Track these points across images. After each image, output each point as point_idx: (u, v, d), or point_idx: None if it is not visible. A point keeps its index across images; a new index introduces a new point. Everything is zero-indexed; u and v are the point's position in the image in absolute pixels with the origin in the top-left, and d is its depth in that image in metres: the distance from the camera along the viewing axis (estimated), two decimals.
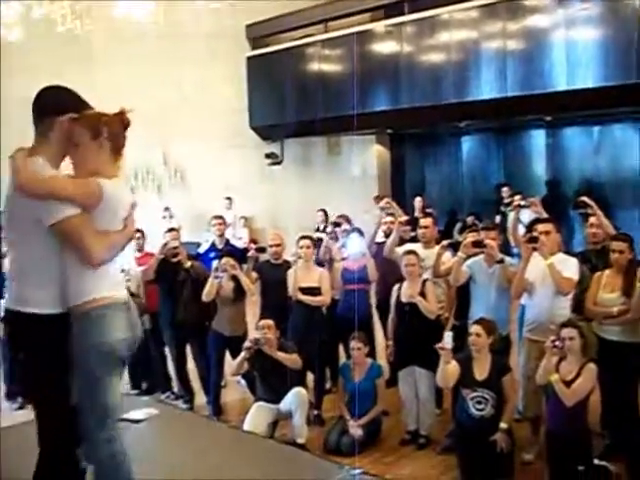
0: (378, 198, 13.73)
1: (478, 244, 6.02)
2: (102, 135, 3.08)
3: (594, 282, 5.71)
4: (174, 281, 7.18)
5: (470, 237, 6.31)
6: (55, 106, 3.13)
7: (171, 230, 7.63)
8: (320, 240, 7.35)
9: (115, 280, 3.23)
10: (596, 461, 5.10)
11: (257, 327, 6.42)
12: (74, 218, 2.99)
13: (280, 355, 6.13)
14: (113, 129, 3.12)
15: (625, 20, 9.98)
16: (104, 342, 3.04)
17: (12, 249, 3.20)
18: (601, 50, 10.28)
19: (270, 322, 6.27)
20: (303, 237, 7.07)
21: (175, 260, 7.16)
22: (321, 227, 10.61)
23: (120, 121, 3.15)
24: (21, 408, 7.36)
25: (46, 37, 13.97)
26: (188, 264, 7.20)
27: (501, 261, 5.96)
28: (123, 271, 4.37)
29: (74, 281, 3.06)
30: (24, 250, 3.09)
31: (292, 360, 6.19)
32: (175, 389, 7.65)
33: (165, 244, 7.19)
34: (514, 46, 11.33)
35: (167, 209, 14.84)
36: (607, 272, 5.69)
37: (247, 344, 6.23)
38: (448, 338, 5.46)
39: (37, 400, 3.22)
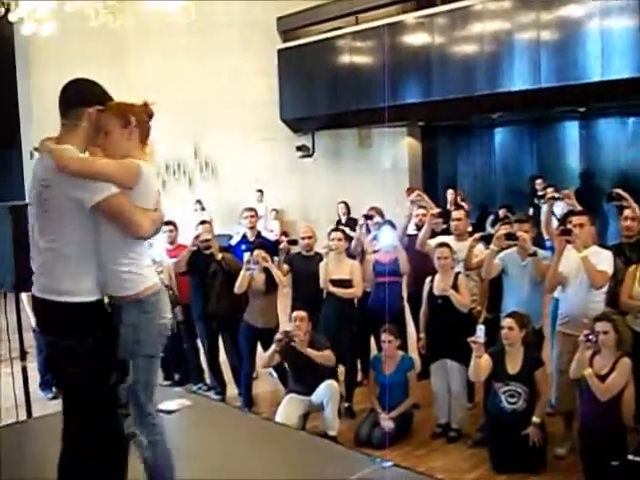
0: (410, 191, 13.69)
1: (510, 237, 5.98)
2: (131, 123, 3.23)
3: (629, 275, 5.65)
4: (206, 273, 7.21)
5: (502, 230, 6.26)
6: (83, 98, 3.26)
7: (204, 222, 7.66)
8: (344, 232, 7.32)
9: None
10: (630, 457, 5.04)
11: (290, 319, 6.44)
12: (118, 195, 3.12)
13: (311, 352, 6.13)
14: (140, 117, 3.27)
15: None
16: (163, 323, 3.33)
17: (44, 237, 3.20)
18: (636, 40, 10.11)
19: (303, 314, 6.28)
20: (334, 229, 7.08)
21: (207, 252, 7.20)
22: (343, 220, 10.59)
23: (145, 111, 3.30)
24: (55, 398, 7.47)
25: (79, 32, 14.09)
26: (220, 256, 7.22)
27: (534, 254, 5.91)
28: (155, 262, 4.42)
29: (132, 270, 3.23)
30: (62, 237, 3.16)
31: (324, 357, 6.19)
32: (207, 380, 7.69)
33: (197, 236, 7.22)
34: (548, 36, 11.20)
35: (198, 202, 14.94)
36: None
37: (278, 336, 6.25)
38: (480, 332, 5.44)
39: (74, 391, 3.28)
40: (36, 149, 3.23)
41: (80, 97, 3.26)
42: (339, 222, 10.46)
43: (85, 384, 3.21)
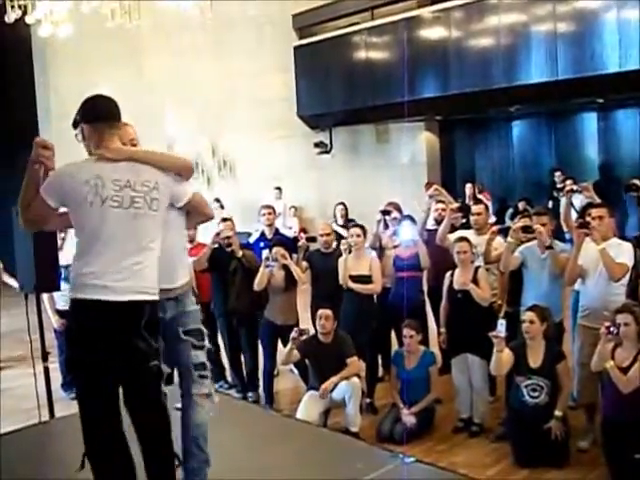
0: (428, 185, 13.65)
1: (527, 229, 5.96)
2: None
3: None
4: (227, 270, 7.23)
5: (520, 222, 6.25)
6: (119, 112, 3.52)
7: (225, 220, 7.69)
8: (340, 235, 7.34)
9: None
10: None
11: (314, 317, 6.46)
12: (196, 194, 3.70)
13: (341, 375, 6.15)
14: None
15: None
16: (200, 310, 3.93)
17: (144, 238, 3.34)
18: None
19: (328, 312, 6.28)
20: (353, 225, 7.07)
21: (228, 249, 7.22)
22: (340, 222, 10.54)
23: None
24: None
25: (95, 33, 14.18)
26: (240, 253, 7.24)
27: (551, 247, 5.88)
28: None
29: (184, 263, 3.87)
30: (158, 237, 3.40)
31: (353, 370, 6.24)
32: (229, 379, 7.71)
33: (218, 233, 7.25)
34: (564, 28, 11.12)
35: (217, 200, 14.97)
36: None
37: (293, 335, 6.26)
38: (501, 326, 5.43)
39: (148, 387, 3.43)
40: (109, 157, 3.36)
41: (119, 112, 3.51)
42: (335, 224, 10.31)
43: (159, 377, 3.43)
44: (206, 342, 3.86)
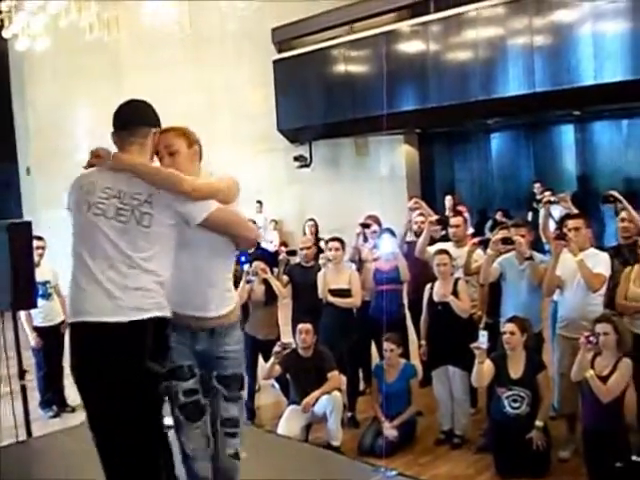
0: (411, 198, 13.69)
1: (507, 241, 5.99)
2: (195, 144, 3.37)
3: (624, 277, 5.66)
4: None
5: (499, 234, 6.28)
6: (150, 118, 3.32)
7: None
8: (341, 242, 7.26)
9: None
10: (634, 457, 5.05)
11: (294, 331, 6.44)
12: (218, 211, 3.22)
13: (322, 390, 6.12)
14: (198, 139, 3.42)
15: None
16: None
17: (135, 253, 3.09)
18: (629, 43, 10.15)
19: (308, 326, 6.27)
20: (332, 239, 7.07)
21: None
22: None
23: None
24: (56, 416, 7.46)
25: (74, 47, 14.15)
26: None
27: (530, 258, 5.91)
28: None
29: (222, 291, 3.45)
30: (156, 255, 3.12)
31: (334, 385, 6.21)
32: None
33: None
34: (541, 42, 11.23)
35: None
36: (637, 267, 5.64)
37: (276, 349, 6.25)
38: (483, 338, 5.45)
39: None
40: (96, 156, 3.23)
41: (146, 117, 3.31)
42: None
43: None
44: (243, 393, 3.46)
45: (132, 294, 3.04)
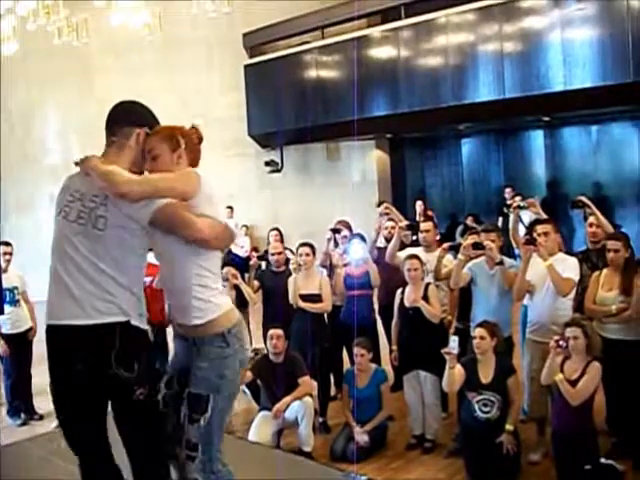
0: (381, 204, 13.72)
1: (477, 246, 6.02)
2: (181, 147, 3.19)
3: (593, 281, 5.71)
4: None
5: (470, 239, 6.30)
6: (134, 118, 3.24)
7: None
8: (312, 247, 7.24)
9: None
10: (603, 460, 5.10)
11: (265, 336, 6.41)
12: (167, 205, 3.03)
13: (294, 395, 6.11)
14: (190, 141, 3.26)
15: (620, 19, 9.98)
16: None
17: (96, 258, 3.01)
18: (597, 50, 10.27)
19: (279, 332, 6.25)
20: (302, 244, 7.06)
21: None
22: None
23: (195, 134, 3.31)
24: (24, 424, 7.37)
25: (43, 51, 14.02)
26: None
27: (500, 263, 5.95)
28: None
29: (200, 299, 3.17)
30: (117, 260, 3.02)
31: (305, 390, 6.20)
32: None
33: None
34: (511, 48, 11.33)
35: None
36: (605, 271, 5.69)
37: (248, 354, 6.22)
38: (454, 343, 5.45)
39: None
40: (78, 163, 3.14)
41: (130, 117, 3.23)
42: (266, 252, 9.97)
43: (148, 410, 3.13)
44: (205, 416, 3.10)
45: (92, 297, 2.99)
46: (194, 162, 3.29)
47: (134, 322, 3.04)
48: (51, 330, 3.06)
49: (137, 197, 2.95)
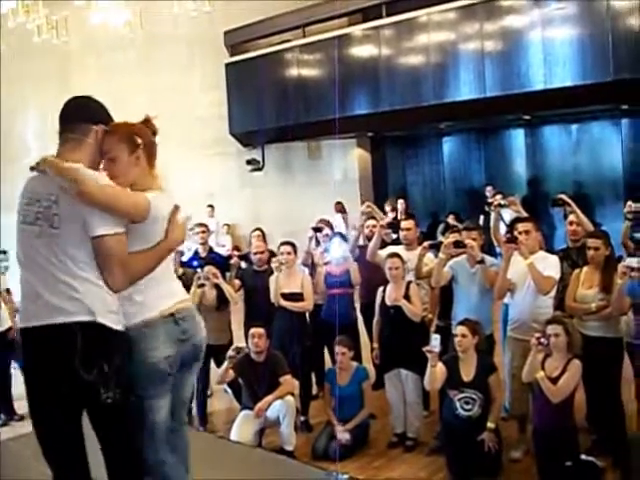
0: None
1: (459, 244, 6.03)
2: (139, 148, 3.10)
3: (573, 279, 5.73)
4: None
5: (451, 238, 6.31)
6: (91, 114, 3.13)
7: None
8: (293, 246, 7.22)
9: None
10: (583, 457, 5.13)
11: (247, 335, 6.40)
12: (111, 238, 2.93)
13: (276, 394, 6.10)
14: (146, 138, 3.16)
15: (600, 19, 10.04)
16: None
17: (54, 257, 2.93)
18: (577, 49, 10.33)
19: (261, 330, 6.24)
20: (284, 243, 7.05)
21: None
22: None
23: (149, 128, 3.21)
24: (4, 425, 7.32)
25: (22, 49, 13.91)
26: (180, 271, 7.17)
27: (481, 261, 5.96)
28: None
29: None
30: (74, 256, 2.93)
31: (287, 389, 6.19)
32: None
33: None
34: (492, 47, 11.37)
35: None
36: (585, 269, 5.72)
37: (230, 353, 6.21)
38: (435, 341, 5.47)
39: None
40: (34, 167, 3.01)
41: (88, 113, 3.13)
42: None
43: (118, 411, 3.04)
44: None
45: (57, 296, 2.91)
46: (151, 160, 3.21)
47: (102, 320, 2.91)
48: (22, 333, 3.01)
49: (93, 201, 2.88)
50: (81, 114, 3.12)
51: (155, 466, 3.17)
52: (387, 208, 12.73)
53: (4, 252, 7.55)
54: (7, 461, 3.31)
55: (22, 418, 7.34)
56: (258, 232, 8.67)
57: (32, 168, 3.04)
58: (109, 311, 2.96)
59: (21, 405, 7.33)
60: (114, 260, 2.94)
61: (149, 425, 3.12)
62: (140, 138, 3.12)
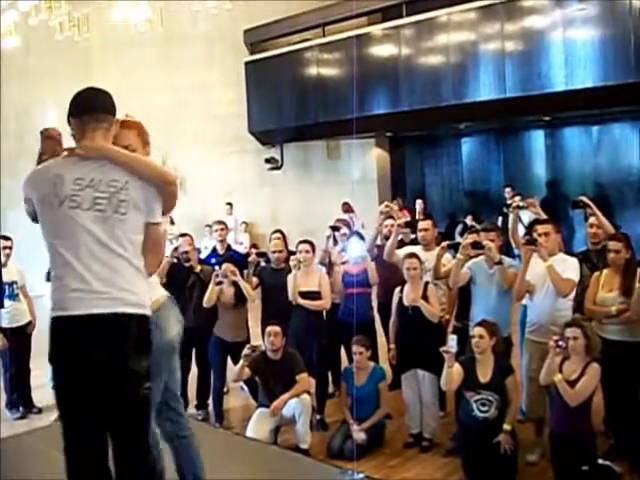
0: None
1: (477, 245, 6.01)
2: (149, 143, 3.31)
3: (593, 282, 5.70)
4: (184, 285, 7.16)
5: (469, 238, 6.29)
6: (113, 107, 3.20)
7: (184, 235, 7.63)
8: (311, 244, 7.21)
9: None
10: (600, 461, 5.11)
11: (263, 333, 6.40)
12: (162, 226, 3.18)
13: (291, 393, 6.09)
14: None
15: (622, 19, 9.98)
16: None
17: (115, 243, 2.99)
18: (599, 50, 10.28)
19: (277, 329, 6.24)
20: (302, 241, 7.06)
21: (187, 264, 7.16)
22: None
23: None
24: (22, 418, 7.37)
25: (44, 45, 14.01)
26: (198, 268, 7.19)
27: (499, 262, 5.93)
28: None
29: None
30: (133, 244, 3.03)
31: (303, 387, 6.18)
32: None
33: (175, 248, 7.18)
34: (512, 47, 11.33)
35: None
36: (605, 272, 5.68)
37: (246, 351, 6.21)
38: (452, 342, 5.45)
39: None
40: (77, 153, 3.05)
41: (111, 105, 3.19)
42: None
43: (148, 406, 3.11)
44: None
45: (110, 285, 2.94)
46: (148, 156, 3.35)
47: (147, 312, 3.03)
48: (62, 321, 2.96)
49: (173, 192, 3.14)
50: (106, 105, 3.16)
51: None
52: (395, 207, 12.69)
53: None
54: (21, 456, 3.32)
55: (40, 411, 7.40)
56: (278, 234, 8.60)
57: (71, 153, 3.07)
58: (148, 301, 3.07)
59: (41, 398, 7.40)
60: (161, 246, 3.21)
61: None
62: (147, 136, 3.32)
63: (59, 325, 2.98)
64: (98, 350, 2.90)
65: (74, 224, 2.96)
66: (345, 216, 13.12)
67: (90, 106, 3.12)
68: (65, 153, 3.12)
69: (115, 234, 2.97)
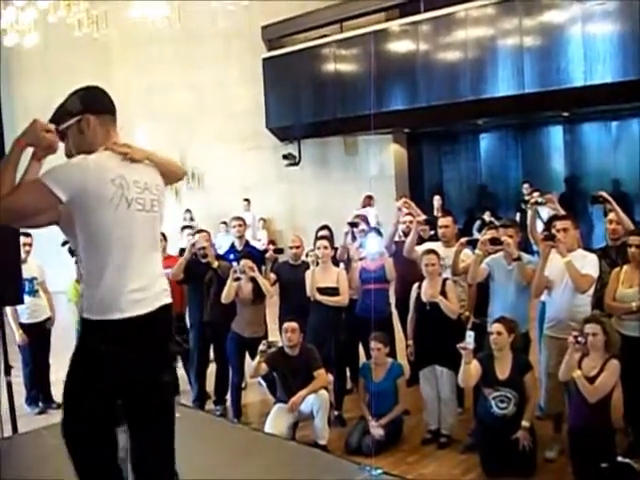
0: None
1: (495, 241, 5.99)
2: None
3: (613, 278, 5.66)
4: (202, 281, 7.19)
5: (488, 234, 6.27)
6: None
7: (201, 231, 7.66)
8: (330, 240, 7.22)
9: None
10: (619, 458, 5.06)
11: (281, 329, 6.42)
12: None
13: (308, 389, 6.10)
14: None
15: None
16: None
17: (154, 244, 3.14)
18: (618, 45, 10.21)
19: (294, 325, 6.24)
20: (320, 237, 7.05)
21: (204, 260, 7.19)
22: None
23: None
24: (42, 413, 7.43)
25: (62, 43, 14.08)
26: (216, 264, 7.21)
27: (518, 258, 5.91)
28: None
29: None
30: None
31: (320, 383, 6.18)
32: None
33: (193, 244, 7.21)
34: (531, 42, 11.28)
35: (188, 211, 15.02)
36: (626, 267, 5.63)
37: (262, 347, 6.22)
38: (470, 338, 5.43)
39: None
40: (130, 157, 3.00)
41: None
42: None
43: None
44: None
45: (157, 282, 3.08)
46: None
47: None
48: (117, 324, 2.89)
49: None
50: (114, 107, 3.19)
51: None
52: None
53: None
54: (41, 449, 3.35)
55: (59, 406, 7.44)
56: (325, 231, 8.33)
57: (126, 157, 3.01)
58: None
59: (60, 393, 7.43)
60: None
61: None
62: None
63: (113, 328, 2.90)
64: (157, 346, 3.02)
65: (133, 225, 2.97)
66: (362, 211, 13.13)
67: (114, 106, 3.15)
68: (103, 150, 2.99)
69: (155, 233, 3.12)
